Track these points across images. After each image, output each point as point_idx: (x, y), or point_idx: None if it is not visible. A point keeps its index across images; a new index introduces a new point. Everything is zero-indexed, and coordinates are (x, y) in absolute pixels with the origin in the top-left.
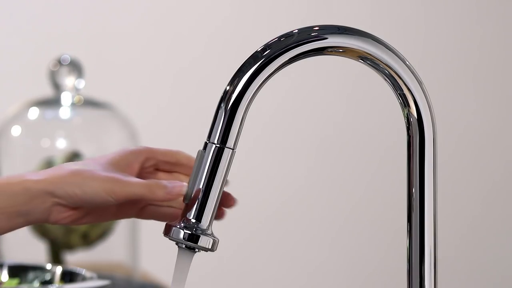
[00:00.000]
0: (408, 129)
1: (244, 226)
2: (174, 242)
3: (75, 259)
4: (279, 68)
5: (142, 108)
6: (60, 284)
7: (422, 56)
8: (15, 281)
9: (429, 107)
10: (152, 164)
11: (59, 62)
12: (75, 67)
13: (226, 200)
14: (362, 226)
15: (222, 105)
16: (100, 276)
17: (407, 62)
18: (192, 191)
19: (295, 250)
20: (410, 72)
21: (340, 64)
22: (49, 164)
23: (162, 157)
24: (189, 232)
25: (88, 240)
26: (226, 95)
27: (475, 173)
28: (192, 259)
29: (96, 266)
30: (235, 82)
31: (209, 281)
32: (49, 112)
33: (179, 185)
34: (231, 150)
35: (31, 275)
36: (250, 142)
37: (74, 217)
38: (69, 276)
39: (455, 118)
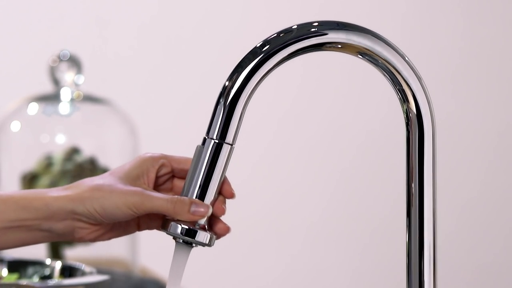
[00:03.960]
0: (407, 124)
1: (242, 221)
2: (172, 237)
3: (74, 254)
4: (278, 64)
5: (142, 103)
6: (60, 279)
7: (421, 52)
8: (14, 276)
9: (428, 102)
10: (168, 171)
11: (59, 58)
12: (75, 63)
13: (225, 192)
14: (361, 221)
15: (221, 100)
16: (100, 271)
17: (406, 58)
18: (190, 185)
19: (292, 244)
20: (409, 68)
21: (339, 60)
22: (48, 159)
23: (177, 164)
24: (187, 227)
25: None
26: (225, 91)
27: (475, 168)
28: (189, 254)
29: (96, 261)
30: (234, 77)
31: (205, 276)
32: (49, 108)
33: (204, 209)
34: (230, 146)
35: (30, 270)
36: (249, 138)
37: (98, 233)
38: (68, 271)
39: (454, 114)
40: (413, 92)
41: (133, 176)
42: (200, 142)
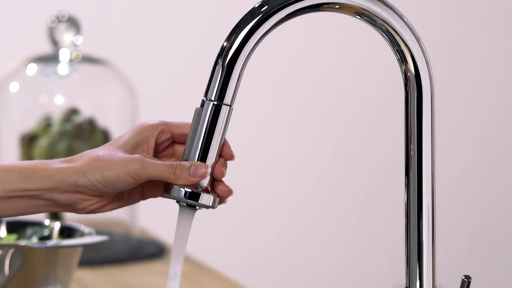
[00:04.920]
0: (405, 85)
1: (241, 184)
2: (175, 201)
3: (73, 215)
4: (276, 25)
5: (141, 64)
6: (59, 240)
7: (419, 12)
8: (13, 236)
9: (427, 63)
10: (168, 137)
11: (57, 19)
12: (73, 24)
13: (225, 154)
14: (360, 182)
15: (219, 61)
16: (98, 232)
17: (405, 19)
18: (191, 149)
19: (292, 205)
20: (408, 28)
21: (337, 21)
22: (47, 120)
23: (177, 129)
24: (190, 190)
25: None
26: (223, 52)
27: (473, 128)
28: (193, 217)
29: (94, 222)
30: (232, 38)
31: (204, 240)
32: (47, 69)
33: (203, 169)
34: (228, 107)
35: (29, 230)
36: (247, 100)
37: (100, 204)
38: (67, 231)
39: (453, 74)
40: (412, 52)
41: (132, 145)
42: (198, 103)
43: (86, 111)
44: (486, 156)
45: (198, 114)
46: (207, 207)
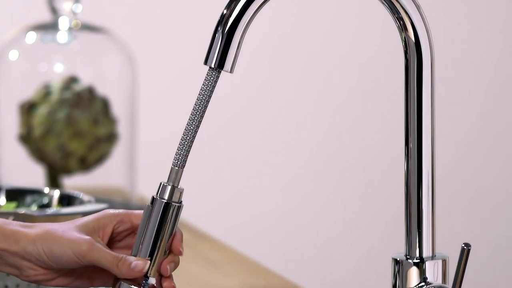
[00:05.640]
0: (405, 53)
1: (242, 148)
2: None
3: (72, 183)
4: None
5: (140, 32)
6: (58, 208)
7: None
8: (12, 204)
9: (427, 30)
10: (127, 227)
11: None
12: None
13: (173, 249)
14: (359, 149)
15: (219, 28)
16: (98, 200)
17: None
18: (138, 244)
19: (291, 171)
20: None
21: None
22: (46, 88)
23: (138, 220)
24: None
25: (86, 164)
26: (223, 19)
27: (473, 95)
28: None
29: (94, 190)
30: (232, 5)
31: (203, 207)
32: (47, 37)
33: (143, 265)
34: (178, 205)
35: (29, 198)
36: (247, 66)
37: (47, 277)
38: (66, 199)
39: (453, 41)
40: (412, 20)
41: (90, 228)
42: (197, 70)
43: (86, 79)
44: (485, 123)
45: (147, 210)
46: None
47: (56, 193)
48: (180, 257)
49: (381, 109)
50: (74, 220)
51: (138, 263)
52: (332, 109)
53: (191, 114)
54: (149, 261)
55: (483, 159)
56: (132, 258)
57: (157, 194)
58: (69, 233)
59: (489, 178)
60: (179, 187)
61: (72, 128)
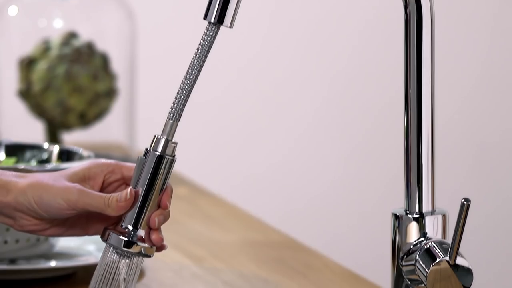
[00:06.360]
0: (405, 8)
1: (242, 106)
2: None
3: (72, 138)
4: None
5: None
6: (57, 163)
7: None
8: (12, 160)
9: None
10: (118, 178)
11: None
12: None
13: (161, 203)
14: (359, 105)
15: None
16: (97, 156)
17: None
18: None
19: (291, 132)
20: None
21: None
22: (46, 44)
23: (128, 172)
24: (125, 238)
25: (85, 120)
26: None
27: (474, 51)
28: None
29: (94, 145)
30: None
31: (208, 161)
32: None
33: (125, 191)
34: (171, 158)
35: (28, 154)
36: (246, 23)
37: (40, 227)
38: (66, 155)
39: None
40: None
41: (79, 177)
42: (198, 27)
43: (85, 34)
44: (486, 78)
45: (140, 162)
46: (142, 255)
47: (56, 149)
48: (181, 215)
49: (381, 65)
50: (63, 170)
51: (121, 193)
52: (332, 66)
53: (188, 68)
54: (133, 195)
55: (484, 114)
56: (118, 194)
57: (150, 146)
58: (59, 182)
59: (491, 134)
60: (173, 140)
61: (72, 84)
